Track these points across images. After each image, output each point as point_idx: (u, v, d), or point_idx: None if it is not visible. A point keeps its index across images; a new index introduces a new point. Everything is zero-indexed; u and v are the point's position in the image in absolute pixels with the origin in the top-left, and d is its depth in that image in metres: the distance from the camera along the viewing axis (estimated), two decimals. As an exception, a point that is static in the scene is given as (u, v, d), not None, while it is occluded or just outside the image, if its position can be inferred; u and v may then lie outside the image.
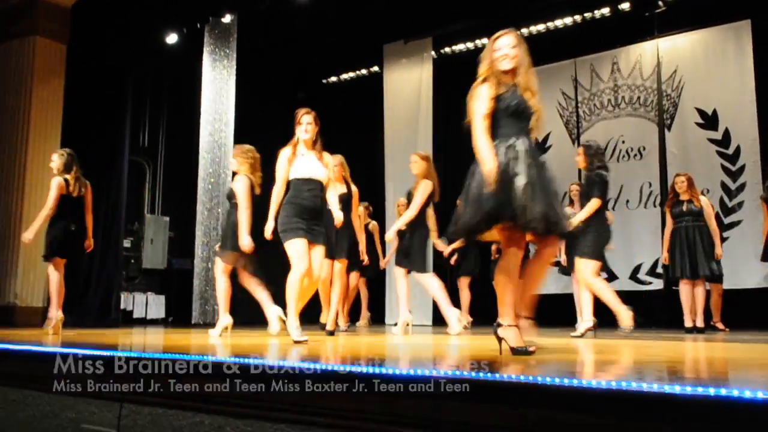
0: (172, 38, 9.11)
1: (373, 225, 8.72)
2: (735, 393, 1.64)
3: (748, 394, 1.62)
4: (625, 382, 1.86)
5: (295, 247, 4.46)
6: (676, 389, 1.73)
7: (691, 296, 6.63)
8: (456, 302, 8.13)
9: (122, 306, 8.92)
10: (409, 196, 6.35)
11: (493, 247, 8.04)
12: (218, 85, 8.99)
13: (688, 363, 3.16)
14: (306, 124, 4.72)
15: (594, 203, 5.44)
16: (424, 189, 6.08)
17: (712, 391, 1.68)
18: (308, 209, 4.58)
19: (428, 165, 6.24)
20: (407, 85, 10.12)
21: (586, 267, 5.55)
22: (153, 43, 9.16)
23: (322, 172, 4.70)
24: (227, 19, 8.99)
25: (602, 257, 5.70)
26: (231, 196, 5.42)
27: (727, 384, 1.98)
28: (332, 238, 5.72)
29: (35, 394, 3.24)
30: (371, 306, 8.96)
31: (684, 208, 6.68)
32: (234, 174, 5.59)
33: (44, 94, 8.68)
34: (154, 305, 8.66)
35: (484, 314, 7.22)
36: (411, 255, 6.08)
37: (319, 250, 4.64)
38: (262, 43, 9.50)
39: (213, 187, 8.63)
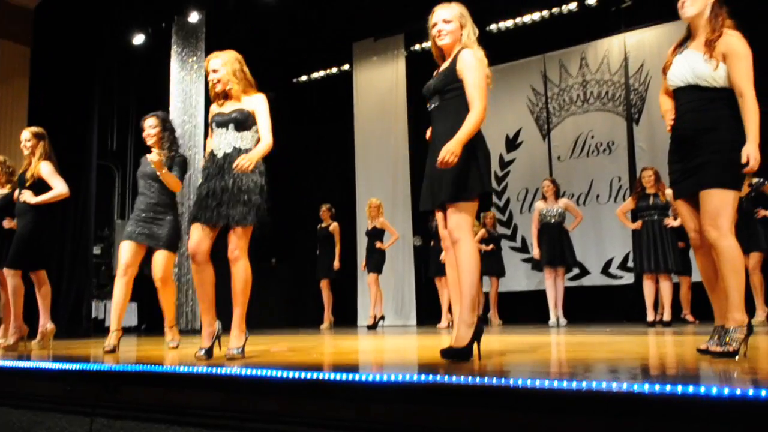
0: (138, 39, 9.04)
1: (334, 226, 8.75)
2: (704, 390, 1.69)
3: (714, 391, 1.67)
4: (596, 382, 1.89)
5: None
6: (645, 388, 1.78)
7: (654, 290, 6.73)
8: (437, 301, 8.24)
9: (93, 314, 8.77)
10: None
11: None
12: (187, 85, 8.90)
13: (653, 360, 3.22)
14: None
15: None
16: None
17: (680, 389, 1.72)
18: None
19: None
20: (379, 82, 10.11)
21: None
22: (119, 44, 9.09)
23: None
24: (194, 18, 8.91)
25: None
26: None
27: (697, 381, 2.03)
28: None
29: (4, 410, 3.20)
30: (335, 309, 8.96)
31: (650, 201, 6.76)
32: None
33: (8, 97, 8.54)
34: (126, 313, 8.51)
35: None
36: None
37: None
38: (230, 42, 9.36)
39: (184, 189, 8.53)
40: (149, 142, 4.80)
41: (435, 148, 3.07)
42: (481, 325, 3.03)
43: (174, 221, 4.79)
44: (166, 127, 4.85)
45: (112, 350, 4.46)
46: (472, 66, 3.06)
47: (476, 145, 3.04)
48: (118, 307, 4.70)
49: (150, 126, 4.81)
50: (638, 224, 6.80)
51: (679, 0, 3.05)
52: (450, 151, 2.90)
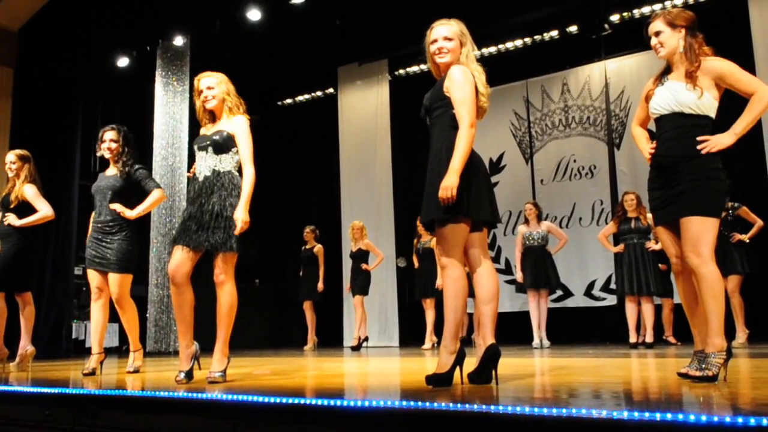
0: (123, 61, 9.04)
1: (318, 248, 8.78)
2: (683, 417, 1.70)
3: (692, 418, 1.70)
4: (575, 410, 1.92)
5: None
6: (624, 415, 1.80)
7: (636, 313, 6.80)
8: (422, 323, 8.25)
9: (74, 335, 8.67)
10: None
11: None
12: (171, 108, 8.89)
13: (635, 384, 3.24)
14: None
15: None
16: None
17: (658, 417, 1.75)
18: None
19: None
20: (363, 106, 10.18)
21: None
22: (103, 66, 9.08)
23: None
24: (179, 42, 8.94)
25: None
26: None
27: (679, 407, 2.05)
28: None
29: None
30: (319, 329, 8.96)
31: (632, 225, 6.85)
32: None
33: (-10, 118, 8.50)
34: (107, 334, 8.43)
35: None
36: None
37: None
38: (216, 65, 9.41)
39: (167, 212, 8.49)
40: (107, 155, 4.65)
41: (431, 165, 3.10)
42: (463, 351, 3.03)
43: (125, 239, 4.57)
44: (127, 141, 4.69)
45: (91, 373, 4.43)
46: (457, 83, 3.04)
47: (469, 168, 2.99)
48: (97, 331, 4.65)
49: (110, 139, 4.64)
50: (620, 247, 6.88)
51: (653, 44, 3.13)
52: (445, 188, 2.90)
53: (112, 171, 4.69)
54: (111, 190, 4.59)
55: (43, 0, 8.77)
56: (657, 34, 3.09)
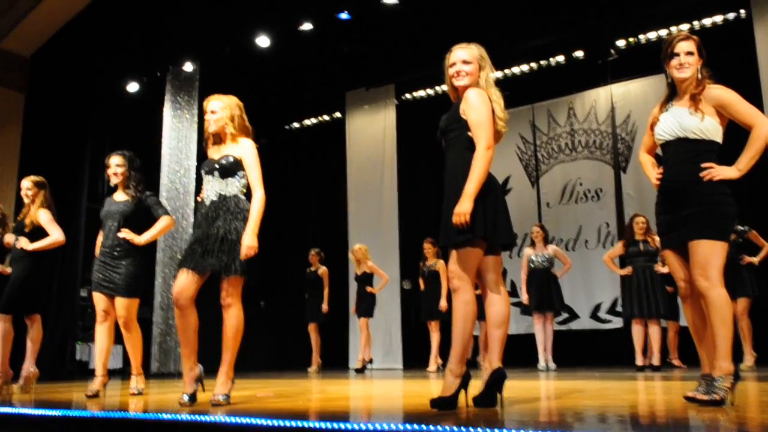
0: (132, 86, 9.16)
1: (323, 270, 8.80)
2: None
3: None
4: None
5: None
6: None
7: (643, 335, 6.78)
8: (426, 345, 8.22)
9: (78, 357, 8.68)
10: None
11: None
12: (180, 132, 9.00)
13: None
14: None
15: None
16: None
17: None
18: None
19: None
20: (370, 130, 10.27)
21: None
22: (113, 91, 9.22)
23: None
24: (189, 67, 9.07)
25: None
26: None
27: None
28: None
29: None
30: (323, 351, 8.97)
31: (640, 248, 6.85)
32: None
33: (1, 141, 8.60)
34: (111, 356, 8.41)
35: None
36: None
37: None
38: (224, 90, 9.53)
39: (174, 235, 8.53)
40: (114, 181, 4.72)
41: (447, 187, 3.11)
42: (468, 374, 3.03)
43: (133, 264, 4.64)
44: (132, 165, 4.75)
45: (95, 395, 4.43)
46: (473, 105, 3.05)
47: (485, 190, 2.99)
48: (101, 353, 4.68)
49: (116, 164, 4.71)
50: (628, 270, 6.87)
51: (680, 62, 3.08)
52: (458, 214, 2.92)
53: (121, 196, 4.74)
54: (121, 215, 4.65)
55: (54, 26, 8.93)
56: (688, 54, 3.08)
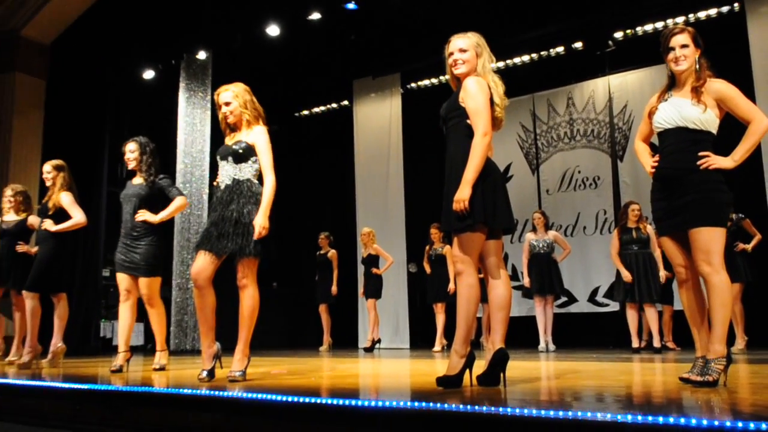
0: (148, 74, 9.40)
1: (332, 253, 9.08)
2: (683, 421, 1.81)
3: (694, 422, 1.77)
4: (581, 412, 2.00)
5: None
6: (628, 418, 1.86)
7: (637, 319, 6.96)
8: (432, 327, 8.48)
9: (102, 334, 9.05)
10: None
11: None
12: (194, 118, 9.24)
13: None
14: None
15: None
16: None
17: (661, 420, 1.82)
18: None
19: None
20: (377, 118, 10.54)
21: None
22: (130, 78, 9.42)
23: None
24: (202, 55, 9.31)
25: None
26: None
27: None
28: None
29: (16, 427, 3.25)
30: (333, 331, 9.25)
31: (633, 235, 7.01)
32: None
33: (24, 127, 8.89)
34: (133, 333, 8.78)
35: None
36: None
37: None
38: (236, 77, 9.76)
39: (190, 218, 8.84)
40: (130, 165, 4.96)
41: (448, 174, 3.16)
42: (473, 354, 3.10)
43: (151, 243, 4.84)
44: (146, 150, 4.95)
45: (118, 370, 4.60)
46: (471, 93, 3.08)
47: (484, 175, 3.03)
48: (124, 330, 4.83)
49: (130, 150, 4.95)
50: (628, 277, 6.89)
51: (676, 56, 3.14)
52: (458, 201, 2.97)
53: (137, 180, 4.97)
54: (137, 197, 4.88)
55: (74, 15, 9.17)
56: (683, 46, 3.13)
